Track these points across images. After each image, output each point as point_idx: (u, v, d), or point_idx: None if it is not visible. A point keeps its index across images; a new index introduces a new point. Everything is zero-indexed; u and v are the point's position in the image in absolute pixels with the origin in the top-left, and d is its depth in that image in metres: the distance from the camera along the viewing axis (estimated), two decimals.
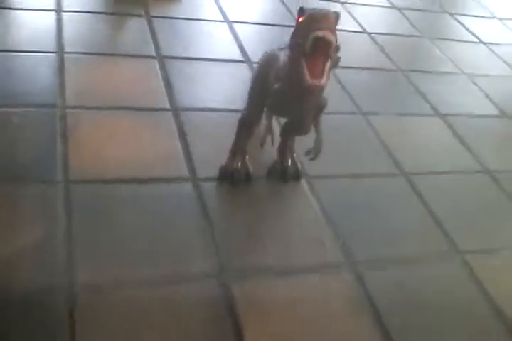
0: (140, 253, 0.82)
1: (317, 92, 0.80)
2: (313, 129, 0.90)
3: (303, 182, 1.05)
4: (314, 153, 0.92)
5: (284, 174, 1.04)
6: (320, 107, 0.88)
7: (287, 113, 0.90)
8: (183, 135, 1.07)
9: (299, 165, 1.05)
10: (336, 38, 0.75)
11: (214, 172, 1.00)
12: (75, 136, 1.00)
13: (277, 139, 1.03)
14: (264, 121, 1.01)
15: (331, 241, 0.94)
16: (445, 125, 1.33)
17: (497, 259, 1.00)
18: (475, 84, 1.54)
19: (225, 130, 1.08)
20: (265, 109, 0.95)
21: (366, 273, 0.90)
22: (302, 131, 0.90)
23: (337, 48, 0.76)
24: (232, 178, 1.00)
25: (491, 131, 1.37)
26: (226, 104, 1.18)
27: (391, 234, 0.99)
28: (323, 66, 0.76)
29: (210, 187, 0.98)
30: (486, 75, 1.61)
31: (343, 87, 1.35)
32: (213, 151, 1.04)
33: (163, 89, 1.17)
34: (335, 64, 0.79)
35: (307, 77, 0.75)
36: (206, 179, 0.99)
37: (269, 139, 1.08)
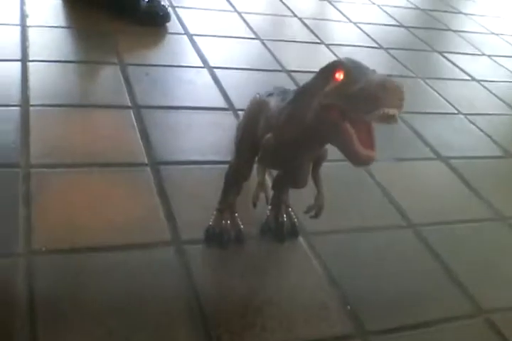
0: (114, 337, 0.69)
1: (369, 164, 0.64)
2: (311, 182, 0.79)
3: (301, 239, 0.93)
4: (316, 210, 0.80)
5: (279, 231, 0.92)
6: (319, 159, 0.78)
7: (281, 165, 0.79)
8: (163, 192, 0.95)
9: (296, 221, 0.93)
10: None
11: (200, 233, 0.88)
12: (40, 199, 0.88)
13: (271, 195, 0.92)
14: (255, 175, 0.89)
15: (337, 308, 0.82)
16: (448, 169, 1.23)
17: None
18: (473, 123, 1.46)
19: (211, 185, 0.97)
20: (256, 161, 0.84)
21: None
22: (298, 184, 0.79)
23: None
24: (221, 239, 0.88)
25: (497, 173, 1.27)
26: (210, 156, 1.07)
27: (404, 296, 0.87)
28: (373, 135, 0.63)
29: (196, 252, 0.86)
30: (484, 114, 1.53)
31: None
32: (198, 210, 0.93)
33: (140, 142, 1.06)
34: None
35: (360, 146, 0.61)
36: (191, 241, 0.87)
37: (262, 197, 0.96)
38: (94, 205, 0.90)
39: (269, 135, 0.74)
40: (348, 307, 0.82)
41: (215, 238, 0.88)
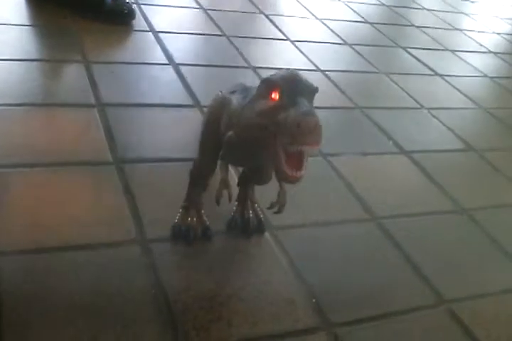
0: (82, 337, 0.70)
1: (296, 183, 0.66)
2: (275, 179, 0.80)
3: (267, 234, 0.94)
4: (279, 206, 0.81)
5: (245, 227, 0.93)
6: None
7: (244, 162, 0.80)
8: (128, 191, 0.95)
9: (262, 216, 0.95)
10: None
11: (166, 231, 0.89)
12: (3, 199, 0.88)
13: (235, 192, 0.92)
14: (218, 172, 0.90)
15: (303, 301, 0.83)
16: (411, 162, 1.25)
17: (484, 305, 0.91)
18: (436, 117, 1.48)
19: (176, 182, 0.97)
20: (219, 158, 0.84)
21: (346, 337, 0.79)
22: (261, 181, 0.80)
23: None
24: (188, 236, 0.88)
25: (459, 166, 1.30)
26: (176, 153, 1.07)
27: (368, 288, 0.88)
28: (303, 156, 0.64)
29: (162, 250, 0.86)
30: (447, 108, 1.56)
31: None
32: (164, 207, 0.93)
33: (105, 140, 1.06)
34: None
35: (286, 169, 0.63)
36: (157, 240, 0.87)
37: (226, 194, 0.95)
38: (58, 205, 0.89)
39: (230, 132, 0.74)
40: (314, 300, 0.84)
41: (182, 235, 0.88)
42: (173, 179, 1.00)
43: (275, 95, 0.64)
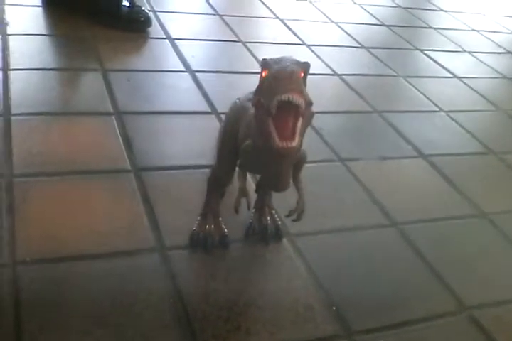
0: None
1: (290, 155, 0.68)
2: (293, 186, 0.79)
3: (285, 241, 0.94)
4: (297, 214, 0.80)
5: (263, 234, 0.93)
6: (299, 163, 0.77)
7: (262, 170, 0.79)
8: (146, 199, 0.95)
9: (280, 223, 0.94)
10: (306, 96, 0.65)
11: (184, 238, 0.89)
12: (23, 209, 0.88)
13: (254, 200, 0.92)
14: (236, 180, 0.89)
15: (323, 309, 0.82)
16: (430, 166, 1.24)
17: (507, 311, 0.90)
18: (455, 120, 1.47)
19: (194, 189, 0.97)
20: (237, 167, 0.84)
21: None
22: (279, 188, 0.79)
23: (309, 104, 0.66)
24: (206, 244, 0.88)
25: (479, 170, 1.29)
26: (193, 160, 1.07)
27: (388, 295, 0.88)
28: (294, 126, 0.66)
29: (180, 257, 0.86)
30: (465, 110, 1.54)
31: (317, 133, 1.25)
32: (182, 215, 0.93)
33: (123, 148, 1.06)
34: (309, 121, 0.69)
35: (276, 139, 0.65)
36: (175, 247, 0.88)
37: (244, 202, 0.94)
38: (77, 213, 0.90)
39: (248, 141, 0.74)
40: (334, 308, 0.83)
41: (200, 243, 0.88)
42: (191, 186, 1.00)
43: (264, 72, 0.67)
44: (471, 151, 1.35)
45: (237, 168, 0.85)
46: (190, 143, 1.13)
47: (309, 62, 0.67)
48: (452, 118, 1.48)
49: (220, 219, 0.91)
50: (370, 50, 1.79)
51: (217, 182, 0.88)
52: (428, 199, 1.13)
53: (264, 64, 0.67)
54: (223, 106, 1.25)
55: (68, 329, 0.71)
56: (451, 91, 1.64)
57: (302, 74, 0.66)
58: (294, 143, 0.65)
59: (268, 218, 0.94)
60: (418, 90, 1.59)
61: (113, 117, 1.15)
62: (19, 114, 1.10)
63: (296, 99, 0.63)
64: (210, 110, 1.25)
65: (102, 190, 0.96)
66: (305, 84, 0.67)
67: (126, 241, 0.86)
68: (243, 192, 0.83)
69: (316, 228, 0.98)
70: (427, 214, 1.08)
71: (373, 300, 0.86)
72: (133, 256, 0.84)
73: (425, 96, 1.56)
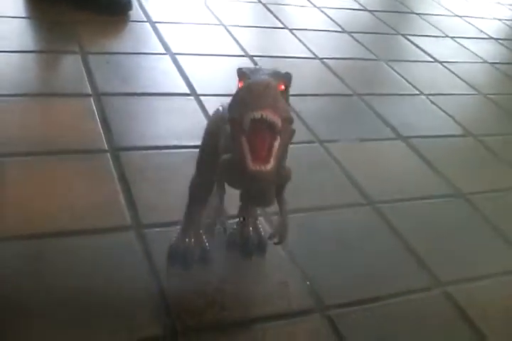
0: (73, 325, 0.70)
1: (263, 179, 0.61)
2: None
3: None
4: (279, 236, 0.73)
5: (244, 246, 0.85)
6: (283, 181, 0.69)
7: (242, 187, 0.70)
8: (123, 178, 0.95)
9: (263, 234, 0.86)
10: (284, 112, 0.59)
11: (160, 217, 0.89)
12: None
13: (230, 224, 0.87)
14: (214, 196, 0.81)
15: (297, 285, 0.83)
16: (409, 148, 1.25)
17: (481, 288, 0.91)
18: (435, 104, 1.48)
19: (171, 170, 0.98)
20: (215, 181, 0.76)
21: (339, 319, 0.79)
22: (263, 203, 0.71)
23: (288, 121, 0.60)
24: (185, 259, 0.81)
25: (458, 152, 1.30)
26: (172, 141, 1.07)
27: (363, 272, 0.89)
28: (269, 147, 0.59)
29: (156, 235, 0.86)
30: (446, 94, 1.55)
31: (297, 116, 1.26)
32: (159, 194, 0.93)
33: (101, 129, 1.06)
34: (288, 139, 0.62)
35: (249, 161, 0.59)
36: (151, 225, 0.88)
37: (220, 224, 0.86)
38: (53, 192, 0.90)
39: (225, 156, 0.67)
40: (308, 283, 0.84)
41: (178, 258, 0.82)
42: (168, 167, 1.00)
43: (240, 84, 0.60)
44: (450, 133, 1.36)
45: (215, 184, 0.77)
46: (168, 124, 1.13)
47: (290, 73, 0.62)
48: (432, 102, 1.48)
49: (201, 232, 0.84)
50: (352, 34, 1.80)
51: (198, 191, 0.81)
52: (406, 180, 1.14)
53: (240, 74, 0.61)
54: (202, 88, 1.27)
55: (44, 305, 0.72)
56: (432, 75, 1.65)
57: (283, 87, 0.61)
58: (269, 167, 0.59)
59: (250, 229, 0.86)
60: (399, 74, 1.59)
61: (91, 98, 1.15)
62: None
63: (270, 116, 0.57)
64: (189, 92, 1.25)
65: (79, 169, 0.96)
66: (287, 98, 0.62)
67: (103, 218, 0.86)
68: (219, 211, 0.75)
69: (293, 206, 0.98)
70: (404, 194, 1.09)
71: (348, 276, 0.87)
72: (109, 233, 0.84)
73: (406, 79, 1.57)
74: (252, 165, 0.59)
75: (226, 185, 0.70)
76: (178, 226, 0.84)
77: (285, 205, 0.72)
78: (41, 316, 0.70)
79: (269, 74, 0.60)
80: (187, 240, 0.82)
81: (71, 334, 0.69)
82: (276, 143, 0.59)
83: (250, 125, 0.58)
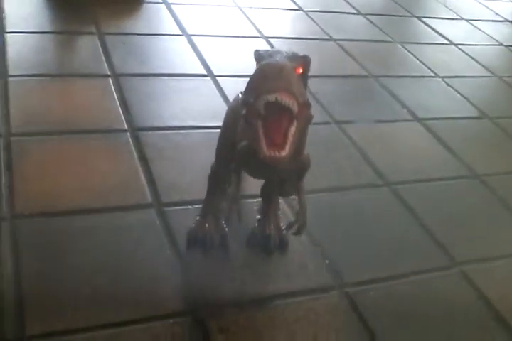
0: (98, 298, 0.72)
1: (279, 165, 0.60)
2: None
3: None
4: (298, 226, 0.73)
5: (266, 245, 0.83)
6: (301, 170, 0.68)
7: (261, 175, 0.71)
8: (143, 157, 0.96)
9: (285, 233, 0.84)
10: (300, 96, 0.57)
11: (180, 195, 0.90)
12: (21, 166, 0.89)
13: (246, 211, 0.87)
14: (230, 186, 0.81)
15: (317, 263, 0.84)
16: (425, 130, 1.25)
17: (496, 267, 0.92)
18: (450, 86, 1.47)
19: (189, 149, 0.99)
20: (232, 170, 0.76)
21: (357, 296, 0.80)
22: (285, 192, 0.72)
23: (305, 106, 0.58)
24: (204, 245, 0.81)
25: (473, 133, 1.30)
26: (189, 121, 1.08)
27: (381, 251, 0.90)
28: (286, 132, 0.57)
29: (176, 213, 0.87)
30: (461, 76, 1.54)
31: (313, 97, 1.26)
32: (178, 173, 0.94)
33: (119, 109, 1.07)
34: (306, 124, 0.60)
35: (264, 147, 0.57)
36: (172, 204, 0.89)
37: (235, 213, 0.84)
38: (75, 171, 0.91)
39: (243, 142, 0.66)
40: (327, 261, 0.85)
41: (198, 243, 0.81)
42: (187, 146, 1.01)
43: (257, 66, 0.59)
44: (465, 115, 1.36)
45: (231, 172, 0.79)
46: (186, 104, 1.13)
47: (309, 56, 0.61)
48: (448, 84, 1.48)
49: (221, 217, 0.84)
50: (368, 16, 1.79)
51: (217, 179, 0.81)
52: (422, 161, 1.14)
53: (257, 56, 0.59)
54: (219, 69, 1.27)
55: (67, 279, 0.73)
56: (448, 58, 1.64)
57: (300, 70, 0.59)
58: (284, 153, 0.57)
59: (272, 227, 0.84)
60: (414, 56, 1.59)
61: (109, 79, 1.16)
62: (16, 76, 1.11)
63: (285, 100, 0.55)
64: (205, 72, 1.26)
65: (99, 148, 0.97)
66: (305, 82, 0.60)
67: (124, 197, 0.88)
68: (234, 198, 0.75)
69: (310, 187, 0.99)
70: (420, 175, 1.10)
71: (366, 254, 0.88)
72: (129, 211, 0.86)
73: (421, 62, 1.56)
74: (267, 151, 0.57)
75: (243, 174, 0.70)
76: (198, 206, 0.84)
77: (303, 195, 0.71)
78: (65, 289, 0.72)
79: (286, 57, 0.58)
80: (206, 225, 0.82)
81: (95, 311, 0.70)
82: (293, 128, 0.58)
83: (265, 109, 0.56)
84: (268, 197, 0.82)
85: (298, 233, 0.74)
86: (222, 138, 0.76)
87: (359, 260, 0.87)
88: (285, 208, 0.91)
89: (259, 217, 0.84)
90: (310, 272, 0.82)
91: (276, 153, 0.57)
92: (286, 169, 0.62)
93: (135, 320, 0.70)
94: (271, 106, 0.56)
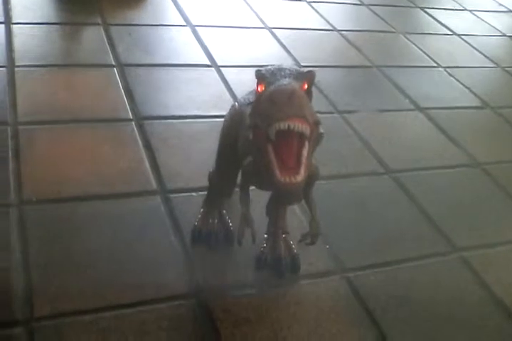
0: (104, 281, 0.74)
1: (293, 191, 0.57)
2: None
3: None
4: (311, 237, 0.71)
5: (277, 266, 0.79)
6: (311, 179, 0.65)
7: (269, 188, 0.67)
8: (148, 146, 0.98)
9: (296, 252, 0.80)
10: (311, 117, 0.55)
11: (184, 183, 0.92)
12: (28, 154, 0.91)
13: (259, 230, 0.79)
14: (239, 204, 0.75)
15: (318, 248, 0.86)
16: (427, 119, 1.26)
17: (495, 253, 0.93)
18: (453, 76, 1.48)
19: (194, 138, 1.00)
20: (239, 188, 0.71)
21: (357, 281, 0.82)
22: (291, 201, 0.68)
23: (316, 124, 0.56)
24: (209, 241, 0.81)
25: (475, 123, 1.31)
26: (193, 111, 1.10)
27: (381, 237, 0.91)
28: (299, 154, 0.56)
29: (180, 200, 0.89)
30: (464, 67, 1.55)
31: (316, 87, 1.27)
32: (183, 161, 0.96)
33: (124, 98, 1.08)
34: (317, 143, 0.59)
35: (277, 172, 0.55)
36: (176, 191, 0.91)
37: (248, 233, 0.73)
38: (80, 158, 0.93)
39: (248, 160, 0.64)
40: (327, 246, 0.86)
41: (202, 239, 0.81)
42: (191, 135, 1.02)
43: (261, 87, 0.58)
44: (468, 105, 1.37)
45: (239, 191, 0.72)
46: (190, 94, 1.15)
47: (313, 71, 0.60)
48: (450, 74, 1.49)
49: (225, 212, 0.84)
50: (370, 7, 1.79)
51: (217, 182, 0.81)
52: (423, 150, 1.16)
53: (259, 77, 0.58)
54: (222, 60, 1.28)
55: (73, 264, 0.75)
56: (450, 48, 1.65)
57: (306, 87, 0.58)
58: (299, 178, 0.55)
59: (282, 245, 0.80)
60: (417, 46, 1.60)
61: (114, 69, 1.17)
62: (23, 66, 1.12)
63: (298, 126, 0.53)
64: (209, 63, 1.27)
65: (105, 137, 0.99)
66: (310, 97, 0.58)
67: (129, 184, 0.89)
68: (246, 220, 0.69)
69: None
70: (421, 164, 1.11)
71: (367, 240, 0.89)
72: (134, 197, 0.87)
73: (424, 52, 1.57)
74: (281, 177, 0.55)
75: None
76: (202, 193, 0.86)
77: (314, 204, 0.69)
78: (70, 271, 0.74)
79: (290, 75, 0.57)
80: (210, 221, 0.82)
81: (103, 292, 0.72)
82: (305, 151, 0.56)
83: (276, 135, 0.54)
84: (275, 212, 0.79)
85: (312, 243, 0.72)
86: (222, 145, 0.76)
87: (360, 245, 0.88)
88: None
89: (266, 235, 0.81)
90: (311, 257, 0.84)
91: (292, 179, 0.55)
92: (297, 193, 0.59)
93: (141, 302, 0.71)
94: (282, 133, 0.54)
